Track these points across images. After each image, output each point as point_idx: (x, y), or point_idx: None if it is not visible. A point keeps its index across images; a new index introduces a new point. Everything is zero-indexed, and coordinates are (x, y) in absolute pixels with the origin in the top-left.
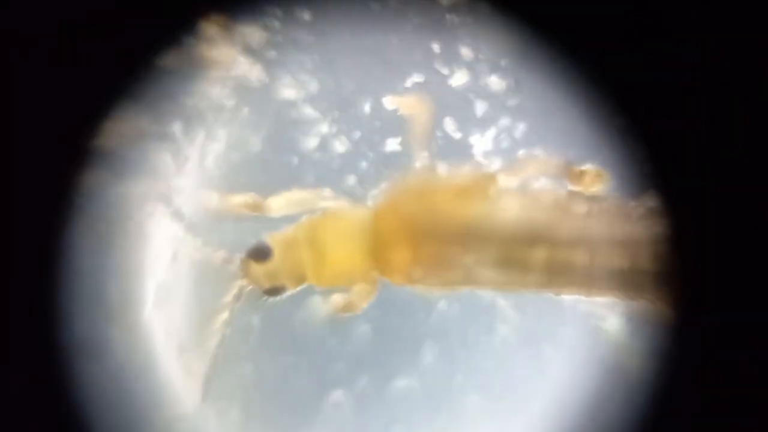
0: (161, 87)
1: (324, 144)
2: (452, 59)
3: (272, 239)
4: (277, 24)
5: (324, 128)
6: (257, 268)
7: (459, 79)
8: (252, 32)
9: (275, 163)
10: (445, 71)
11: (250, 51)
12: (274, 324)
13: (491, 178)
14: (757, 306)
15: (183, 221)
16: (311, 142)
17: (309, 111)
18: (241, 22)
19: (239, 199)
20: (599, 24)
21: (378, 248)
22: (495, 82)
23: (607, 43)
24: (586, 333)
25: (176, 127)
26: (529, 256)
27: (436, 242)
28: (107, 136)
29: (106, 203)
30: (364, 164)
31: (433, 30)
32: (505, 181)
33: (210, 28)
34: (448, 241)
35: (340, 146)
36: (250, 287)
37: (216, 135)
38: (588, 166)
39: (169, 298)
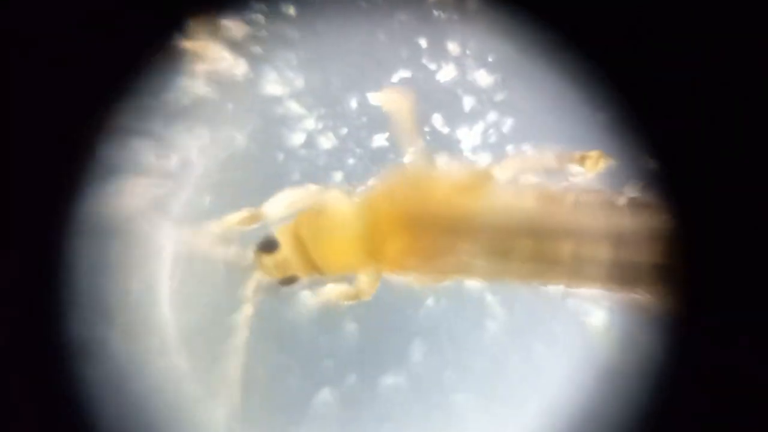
0: (146, 84)
1: (310, 140)
2: (440, 54)
3: (278, 231)
4: (262, 19)
5: (310, 124)
6: (268, 260)
7: (446, 74)
8: (237, 28)
9: (261, 160)
10: (432, 66)
11: (235, 47)
12: (262, 322)
13: (487, 173)
14: (757, 306)
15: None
16: (297, 139)
17: (295, 107)
18: (226, 18)
19: (236, 218)
20: (588, 18)
21: (372, 236)
22: (482, 77)
23: (596, 37)
24: (576, 329)
25: (161, 124)
26: (518, 247)
27: (429, 232)
28: (99, 133)
29: (102, 202)
30: (351, 160)
31: (420, 25)
32: (501, 174)
33: (195, 24)
34: (441, 231)
35: (326, 142)
36: (266, 279)
37: (201, 131)
38: (589, 151)
39: (167, 296)
